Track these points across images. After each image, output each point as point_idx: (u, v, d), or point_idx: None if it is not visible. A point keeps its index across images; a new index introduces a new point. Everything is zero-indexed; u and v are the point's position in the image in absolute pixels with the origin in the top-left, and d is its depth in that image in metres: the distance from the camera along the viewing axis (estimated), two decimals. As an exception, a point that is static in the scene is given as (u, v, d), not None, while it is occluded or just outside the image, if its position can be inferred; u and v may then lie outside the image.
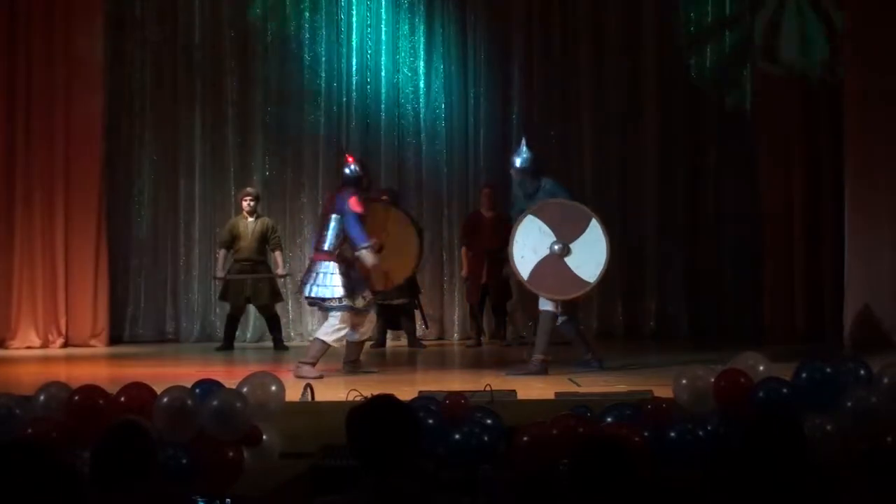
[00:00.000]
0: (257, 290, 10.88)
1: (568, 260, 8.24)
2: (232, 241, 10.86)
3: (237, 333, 11.28)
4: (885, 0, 10.11)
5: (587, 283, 8.31)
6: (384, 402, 3.15)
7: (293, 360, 9.64)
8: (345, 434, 3.16)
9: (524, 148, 8.62)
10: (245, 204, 10.88)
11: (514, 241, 8.44)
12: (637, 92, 12.27)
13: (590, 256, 8.23)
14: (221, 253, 10.91)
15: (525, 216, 8.41)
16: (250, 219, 10.89)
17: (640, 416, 4.96)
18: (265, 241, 10.89)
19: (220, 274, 10.92)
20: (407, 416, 3.13)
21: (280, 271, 11.01)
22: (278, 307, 11.26)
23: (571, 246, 8.25)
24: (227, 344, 10.97)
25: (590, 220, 8.29)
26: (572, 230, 8.29)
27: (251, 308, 11.32)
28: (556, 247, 8.27)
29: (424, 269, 11.97)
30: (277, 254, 10.98)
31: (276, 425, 5.04)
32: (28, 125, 11.35)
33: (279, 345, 10.95)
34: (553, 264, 8.28)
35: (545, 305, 8.33)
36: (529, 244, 8.36)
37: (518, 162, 8.55)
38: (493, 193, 11.09)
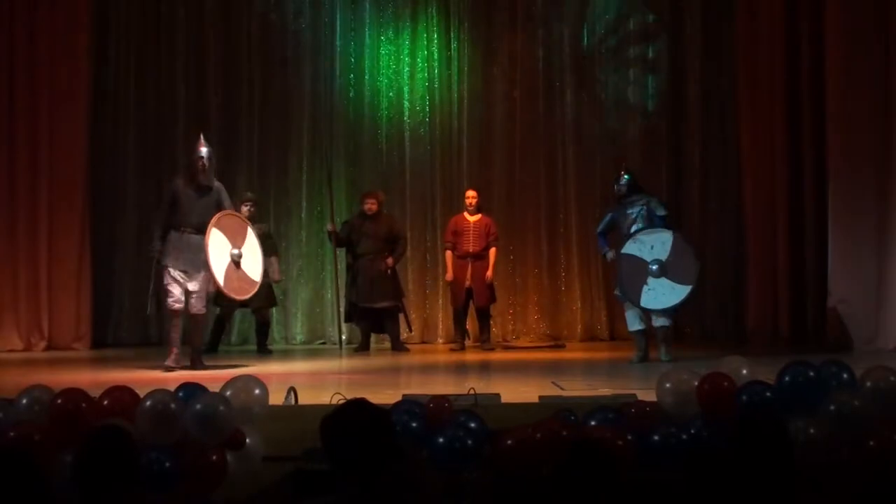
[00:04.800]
0: (253, 294, 10.78)
1: None
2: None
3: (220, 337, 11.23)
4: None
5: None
6: (355, 408, 3.12)
7: (278, 363, 9.66)
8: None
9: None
10: (245, 210, 10.62)
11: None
12: (623, 89, 12.32)
13: None
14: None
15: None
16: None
17: (624, 419, 4.95)
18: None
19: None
20: (379, 419, 3.10)
21: (276, 276, 10.96)
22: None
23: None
24: (212, 347, 10.91)
25: None
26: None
27: (236, 312, 11.25)
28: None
29: (409, 272, 11.98)
30: (273, 259, 10.87)
31: (259, 429, 5.02)
32: (12, 127, 11.31)
33: (263, 349, 10.92)
34: None
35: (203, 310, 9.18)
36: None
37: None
38: (477, 197, 11.13)
